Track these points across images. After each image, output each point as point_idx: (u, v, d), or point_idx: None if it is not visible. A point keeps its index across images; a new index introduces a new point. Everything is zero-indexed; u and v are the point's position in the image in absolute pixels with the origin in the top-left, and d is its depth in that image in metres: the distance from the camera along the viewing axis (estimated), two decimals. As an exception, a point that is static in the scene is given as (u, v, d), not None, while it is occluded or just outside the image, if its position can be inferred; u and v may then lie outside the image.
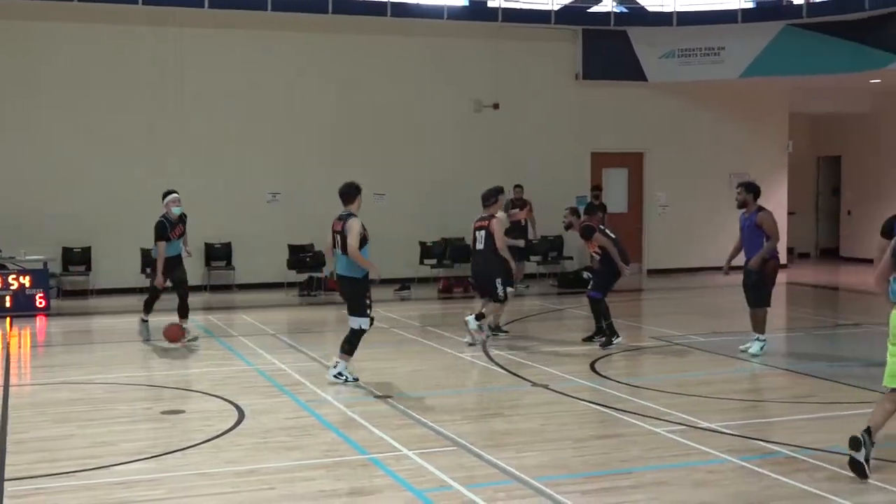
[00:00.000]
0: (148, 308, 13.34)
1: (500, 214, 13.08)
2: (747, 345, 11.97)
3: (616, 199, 22.00)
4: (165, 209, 12.91)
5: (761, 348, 11.86)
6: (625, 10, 21.88)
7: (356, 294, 10.24)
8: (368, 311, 10.22)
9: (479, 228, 12.86)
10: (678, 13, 21.07)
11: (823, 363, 11.60)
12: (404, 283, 18.70)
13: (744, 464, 7.35)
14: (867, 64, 19.80)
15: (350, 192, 10.40)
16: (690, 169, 22.33)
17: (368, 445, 7.90)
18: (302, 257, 18.84)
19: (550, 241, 20.85)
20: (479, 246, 12.86)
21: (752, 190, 11.96)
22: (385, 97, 20.24)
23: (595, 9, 21.89)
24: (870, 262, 23.77)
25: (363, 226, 10.19)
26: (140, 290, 17.77)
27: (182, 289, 13.12)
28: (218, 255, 19.23)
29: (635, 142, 22.15)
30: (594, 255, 12.74)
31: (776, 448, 7.80)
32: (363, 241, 10.12)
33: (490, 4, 20.76)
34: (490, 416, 8.98)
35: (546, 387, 10.17)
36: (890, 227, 9.57)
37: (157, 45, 18.92)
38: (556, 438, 8.19)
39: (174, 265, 13.09)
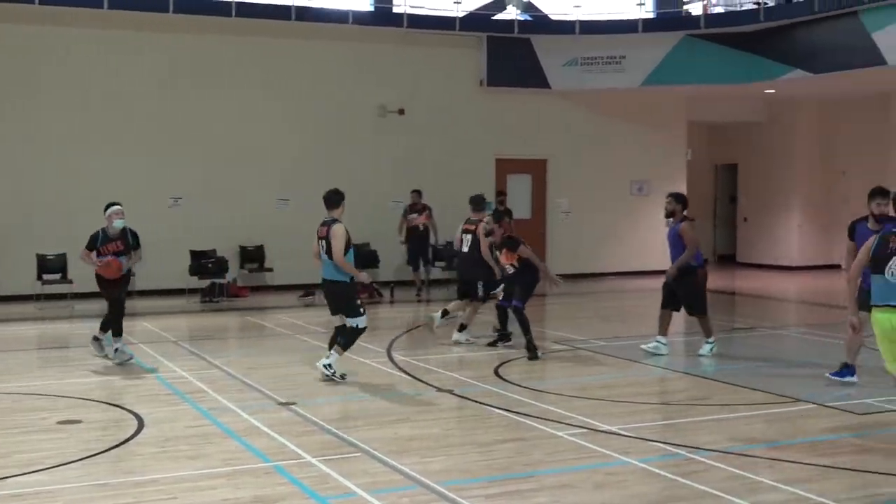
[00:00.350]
0: (105, 327, 12.20)
1: (487, 219, 13.19)
2: (701, 349, 12.39)
3: (520, 205, 22.17)
4: (107, 222, 11.99)
5: (711, 350, 12.30)
6: (528, 18, 22.12)
7: (347, 297, 10.71)
8: (362, 311, 10.69)
9: (467, 231, 13.55)
10: (581, 22, 21.38)
11: (720, 366, 11.89)
12: (308, 290, 18.57)
13: (644, 465, 7.50)
14: (762, 74, 20.36)
15: (333, 199, 10.76)
16: (592, 176, 22.68)
17: (271, 453, 7.85)
18: (204, 263, 18.60)
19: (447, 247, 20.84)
20: (465, 248, 13.49)
21: (680, 200, 12.39)
22: (289, 102, 20.10)
23: (499, 16, 22.08)
24: (765, 266, 24.64)
25: (347, 231, 10.57)
26: (36, 298, 17.37)
27: (115, 306, 12.08)
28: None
29: (539, 149, 22.40)
30: (511, 266, 12.35)
31: (675, 449, 7.97)
32: (348, 245, 10.52)
33: (395, 10, 20.80)
34: (394, 422, 8.99)
35: (451, 392, 10.22)
36: (852, 229, 10.10)
37: (55, 46, 18.49)
38: (460, 443, 8.25)
39: (111, 283, 12.01)
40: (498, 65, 21.59)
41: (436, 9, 21.19)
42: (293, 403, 9.63)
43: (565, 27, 21.57)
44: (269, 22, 19.66)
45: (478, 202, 13.81)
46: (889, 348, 7.76)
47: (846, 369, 10.50)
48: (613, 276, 22.50)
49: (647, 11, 21.93)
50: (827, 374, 10.52)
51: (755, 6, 20.75)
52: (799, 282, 22.36)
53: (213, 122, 19.56)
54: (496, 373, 11.26)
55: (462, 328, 13.28)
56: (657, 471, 7.36)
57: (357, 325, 10.68)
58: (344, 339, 10.76)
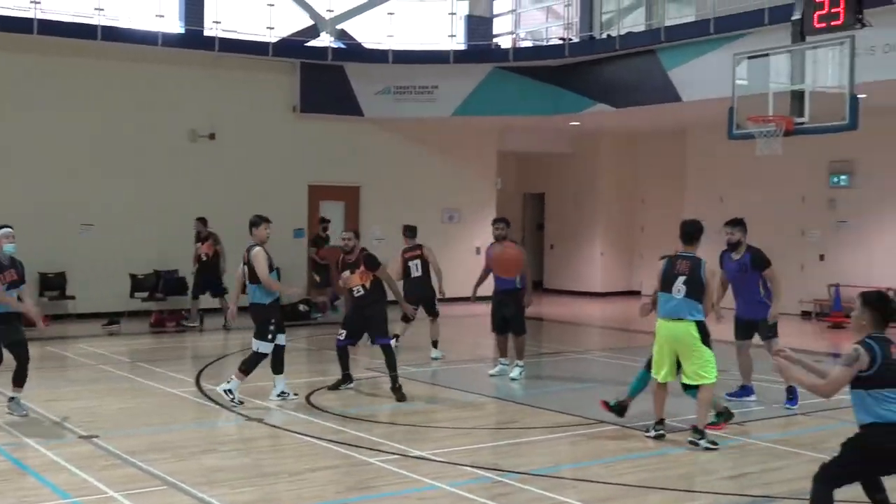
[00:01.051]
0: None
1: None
2: (510, 372, 12.76)
3: (333, 231, 22.15)
4: None
5: (521, 373, 12.68)
6: (342, 45, 22.16)
7: (262, 319, 10.92)
8: (269, 337, 10.87)
9: (413, 258, 14.65)
10: (394, 51, 21.55)
11: (527, 390, 12.17)
12: (113, 318, 17.94)
13: (454, 490, 7.57)
14: (567, 107, 21.06)
15: (252, 223, 11.21)
16: (405, 203, 22.80)
17: (71, 489, 7.50)
18: None
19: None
20: (417, 273, 14.61)
21: (509, 225, 13.05)
22: (96, 124, 19.40)
23: (313, 43, 22.04)
24: (571, 293, 25.34)
25: (268, 253, 10.94)
26: None
27: (18, 352, 10.08)
28: None
29: (352, 175, 22.42)
30: (361, 287, 11.51)
31: (484, 473, 8.09)
32: (270, 267, 10.86)
33: (206, 33, 20.42)
34: (202, 453, 8.77)
35: (260, 421, 10.06)
36: (721, 260, 11.13)
37: None
38: (271, 473, 8.12)
39: (4, 323, 9.96)
40: (311, 91, 21.51)
41: (248, 33, 20.94)
42: (95, 436, 9.24)
43: (379, 56, 21.71)
44: (73, 41, 18.94)
45: (414, 230, 15.22)
46: (663, 354, 9.11)
47: (743, 390, 11.19)
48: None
49: (459, 43, 22.33)
50: (724, 395, 10.90)
51: (561, 41, 21.50)
52: (601, 307, 23.18)
53: (12, 144, 18.66)
54: (308, 400, 11.16)
55: (435, 344, 14.48)
56: (467, 494, 7.45)
57: (259, 350, 10.87)
58: (245, 364, 10.93)
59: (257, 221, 11.24)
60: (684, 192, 23.26)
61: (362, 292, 11.53)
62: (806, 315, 19.99)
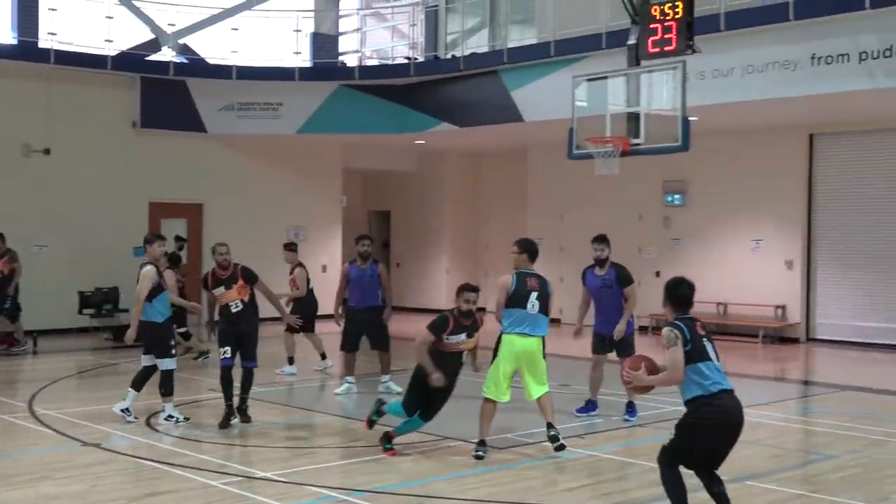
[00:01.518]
0: None
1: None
2: (381, 385, 12.96)
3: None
4: None
5: (389, 384, 12.91)
6: (185, 60, 21.73)
7: (158, 338, 10.76)
8: (173, 352, 10.82)
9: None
10: (238, 67, 21.25)
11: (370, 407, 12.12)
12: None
13: (298, 510, 7.48)
14: (412, 126, 21.23)
15: (146, 240, 11.25)
16: (250, 220, 22.49)
17: None
18: None
19: (105, 292, 19.98)
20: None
21: (356, 242, 13.21)
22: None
23: (154, 57, 21.54)
24: (418, 310, 25.43)
25: (158, 272, 10.79)
26: None
27: None
28: None
29: (195, 193, 21.97)
30: (240, 302, 10.90)
31: (328, 492, 8.02)
32: (159, 288, 10.69)
33: (41, 45, 19.69)
34: (36, 480, 8.38)
35: (98, 445, 9.71)
36: (583, 276, 11.43)
37: None
38: (108, 499, 7.84)
39: None
40: (152, 106, 20.99)
41: (86, 46, 20.31)
42: (-82, 466, 8.74)
43: (222, 72, 21.37)
44: None
45: (293, 246, 15.66)
46: (507, 372, 9.19)
47: (589, 405, 11.29)
48: (270, 321, 22.37)
49: (304, 60, 22.22)
50: (574, 412, 11.15)
51: (406, 61, 21.65)
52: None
53: None
54: (148, 423, 10.83)
55: (291, 361, 14.66)
56: (312, 515, 7.38)
57: (167, 367, 10.75)
58: (163, 387, 10.79)
59: (150, 239, 11.19)
60: (526, 210, 23.70)
61: (241, 307, 10.87)
62: (643, 330, 20.61)
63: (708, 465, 6.63)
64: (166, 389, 10.81)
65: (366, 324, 12.93)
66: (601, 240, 11.16)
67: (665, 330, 6.57)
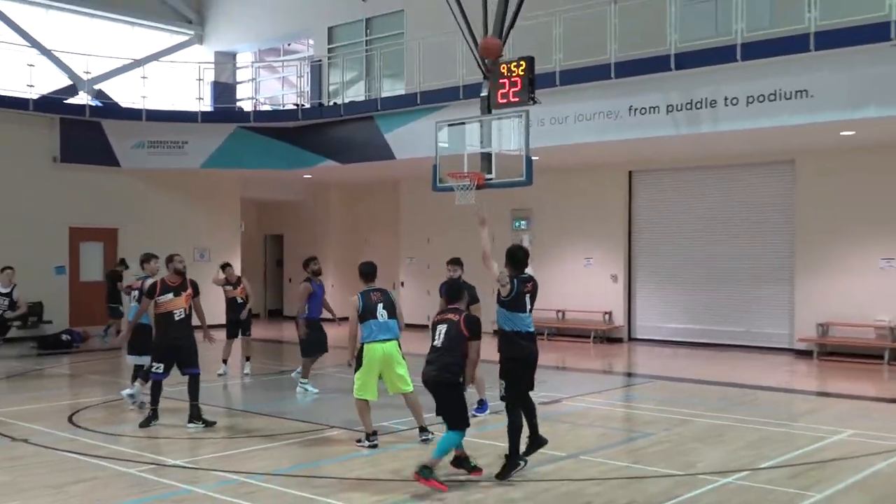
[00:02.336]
0: None
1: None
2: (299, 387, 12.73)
3: (93, 268, 21.04)
4: None
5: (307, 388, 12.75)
6: (100, 104, 21.18)
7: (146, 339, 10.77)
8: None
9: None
10: (147, 110, 20.80)
11: (273, 403, 12.04)
12: None
13: (205, 492, 7.39)
14: (301, 162, 21.12)
15: (142, 259, 11.65)
16: (160, 243, 21.66)
17: None
18: None
19: (30, 305, 19.20)
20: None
21: (307, 264, 13.11)
22: None
23: (72, 100, 20.91)
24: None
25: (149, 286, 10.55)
26: None
27: None
28: None
29: (110, 219, 21.34)
30: (184, 311, 10.29)
31: (232, 476, 7.95)
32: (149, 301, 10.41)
33: (-32, 88, 18.92)
34: (-33, 474, 8.06)
35: (26, 441, 9.37)
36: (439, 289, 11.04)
37: None
38: (34, 487, 7.60)
39: None
40: (71, 143, 20.36)
41: (9, 90, 19.58)
42: None
43: (133, 114, 20.88)
44: None
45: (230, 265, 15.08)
46: (373, 375, 8.99)
47: (482, 405, 10.88)
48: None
49: (206, 105, 21.89)
50: (473, 412, 10.86)
51: (294, 106, 21.56)
52: (332, 332, 23.15)
53: None
54: (70, 420, 10.51)
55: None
56: (217, 495, 7.30)
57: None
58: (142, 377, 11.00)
59: (147, 258, 11.55)
60: (399, 233, 23.83)
61: (183, 316, 10.27)
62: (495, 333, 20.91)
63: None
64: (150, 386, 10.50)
65: (322, 331, 12.94)
66: (455, 262, 11.11)
67: (503, 274, 7.99)
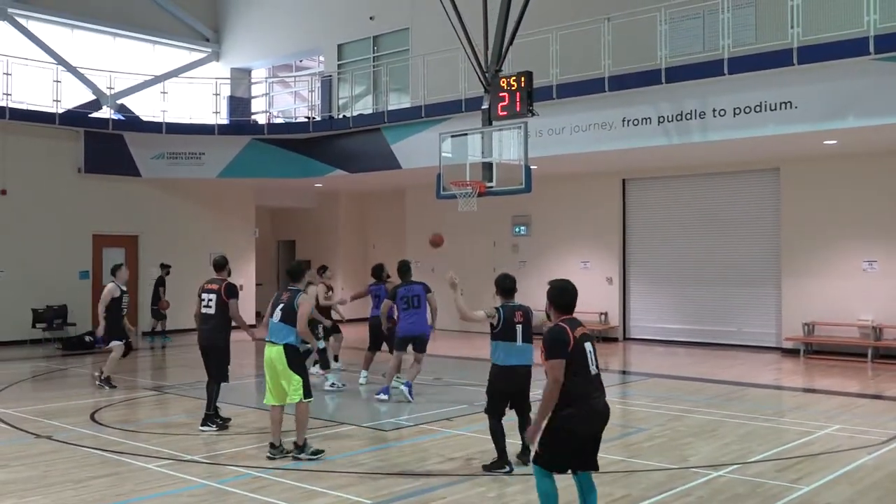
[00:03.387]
0: None
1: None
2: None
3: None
4: None
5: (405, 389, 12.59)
6: (122, 118, 21.14)
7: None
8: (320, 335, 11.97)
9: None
10: (167, 123, 20.79)
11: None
12: None
13: (220, 486, 7.32)
14: (312, 172, 21.05)
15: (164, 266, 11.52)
16: (179, 249, 21.94)
17: None
18: None
19: (55, 309, 19.26)
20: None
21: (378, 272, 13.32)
22: None
23: (96, 114, 20.89)
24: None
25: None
26: None
27: None
28: None
29: (131, 226, 21.29)
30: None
31: (244, 470, 7.87)
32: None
33: (-1, 104, 18.89)
34: (-6, 469, 8.00)
35: (49, 438, 9.30)
36: (394, 294, 11.64)
37: None
38: (58, 482, 7.52)
39: None
40: (94, 155, 20.32)
41: (37, 105, 19.56)
42: None
43: (154, 127, 20.85)
44: None
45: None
46: (268, 378, 8.25)
47: (385, 390, 11.41)
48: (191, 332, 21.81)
49: (222, 118, 21.85)
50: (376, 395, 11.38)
51: (306, 119, 21.50)
52: (345, 333, 23.09)
53: None
54: (92, 418, 10.43)
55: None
56: (231, 489, 7.23)
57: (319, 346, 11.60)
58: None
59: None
60: (405, 238, 23.76)
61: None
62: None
63: (516, 409, 7.88)
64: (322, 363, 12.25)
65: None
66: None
67: (490, 308, 7.76)
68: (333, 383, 12.48)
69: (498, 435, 7.77)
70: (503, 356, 7.70)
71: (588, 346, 5.65)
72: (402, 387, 11.37)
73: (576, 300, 5.92)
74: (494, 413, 7.81)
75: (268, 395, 8.31)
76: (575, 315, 5.93)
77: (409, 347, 11.60)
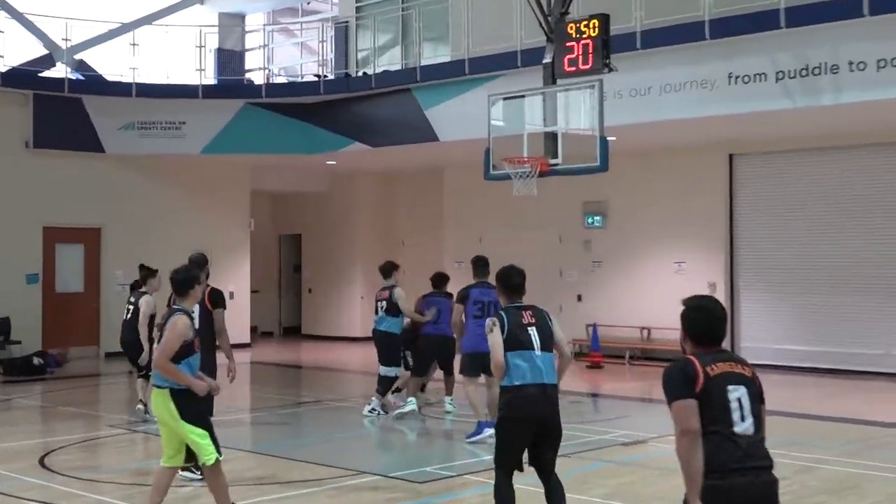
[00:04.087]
0: None
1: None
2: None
3: (71, 277, 21.27)
4: None
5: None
6: (81, 77, 21.43)
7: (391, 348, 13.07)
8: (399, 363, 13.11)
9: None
10: (138, 84, 21.02)
11: (286, 442, 12.05)
12: None
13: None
14: (323, 146, 21.18)
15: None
16: (152, 245, 22.04)
17: None
18: None
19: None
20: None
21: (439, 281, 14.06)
22: None
23: (48, 73, 21.20)
24: (330, 338, 25.31)
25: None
26: None
27: None
28: None
29: (92, 216, 21.56)
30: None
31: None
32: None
33: (-76, 60, 19.28)
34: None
35: (-13, 488, 9.47)
36: (465, 295, 11.61)
37: None
38: (-3, 546, 7.65)
39: None
40: (46, 125, 20.61)
41: (-27, 61, 19.96)
42: None
43: (121, 89, 21.12)
44: None
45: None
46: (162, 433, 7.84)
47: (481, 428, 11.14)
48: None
49: (208, 78, 22.06)
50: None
51: (315, 78, 21.65)
52: (361, 353, 23.22)
53: None
54: (41, 463, 10.59)
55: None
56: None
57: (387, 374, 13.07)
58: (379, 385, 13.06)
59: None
60: (443, 232, 23.78)
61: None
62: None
63: (536, 466, 7.01)
64: (381, 389, 13.00)
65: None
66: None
67: (488, 320, 7.26)
68: (374, 409, 12.98)
69: (505, 502, 6.95)
70: (513, 373, 6.96)
71: (734, 390, 4.87)
72: (410, 405, 12.58)
73: (721, 326, 5.24)
74: (503, 464, 7.03)
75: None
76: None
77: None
